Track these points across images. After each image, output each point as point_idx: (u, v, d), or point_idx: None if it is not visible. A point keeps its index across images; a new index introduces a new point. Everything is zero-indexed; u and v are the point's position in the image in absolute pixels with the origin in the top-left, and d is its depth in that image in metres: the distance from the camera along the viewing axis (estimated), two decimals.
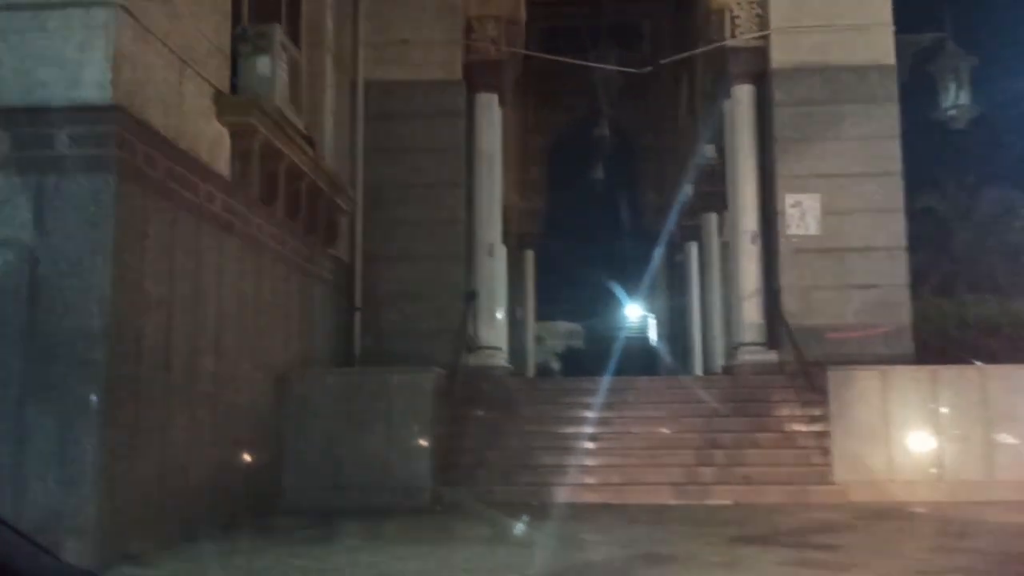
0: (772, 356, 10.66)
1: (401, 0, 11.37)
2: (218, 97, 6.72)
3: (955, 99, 11.59)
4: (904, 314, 10.41)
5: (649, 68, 12.62)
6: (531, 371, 23.30)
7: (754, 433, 9.00)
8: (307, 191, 8.66)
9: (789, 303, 10.57)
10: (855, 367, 8.70)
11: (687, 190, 18.33)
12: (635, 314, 32.62)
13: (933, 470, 8.27)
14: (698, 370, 17.91)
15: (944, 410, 8.36)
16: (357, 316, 10.81)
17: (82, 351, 4.93)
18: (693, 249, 20.30)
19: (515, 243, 22.67)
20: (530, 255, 23.83)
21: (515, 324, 22.72)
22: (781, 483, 8.56)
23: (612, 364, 12.57)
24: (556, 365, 34.52)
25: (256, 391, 7.54)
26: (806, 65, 10.96)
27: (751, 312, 11.04)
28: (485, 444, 9.41)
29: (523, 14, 11.94)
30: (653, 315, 30.44)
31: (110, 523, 5.06)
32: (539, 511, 8.36)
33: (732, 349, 11.42)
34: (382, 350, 10.66)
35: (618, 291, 30.61)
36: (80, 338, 4.94)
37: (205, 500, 6.49)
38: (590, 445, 9.19)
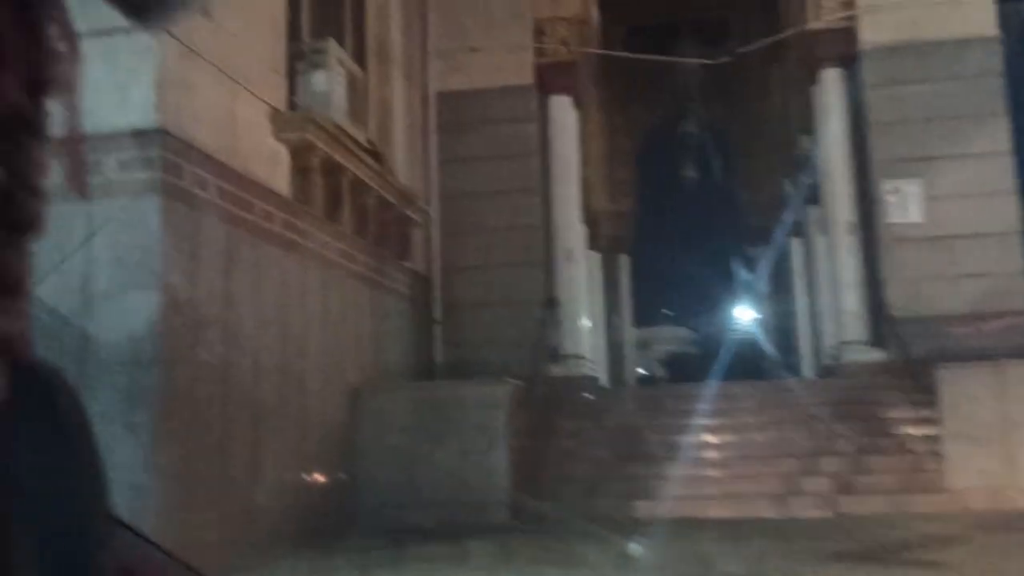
0: (877, 354, 9.99)
1: (469, 9, 11.22)
2: (274, 115, 6.67)
3: None
4: (1020, 303, 9.58)
5: (727, 58, 12.09)
6: (631, 379, 22.83)
7: (860, 438, 8.38)
8: (375, 205, 8.57)
9: (893, 296, 9.89)
10: (967, 363, 7.99)
11: (785, 184, 17.66)
12: (745, 315, 31.65)
13: None
14: (807, 371, 17.16)
15: None
16: (437, 328, 10.68)
17: (133, 377, 4.89)
18: (796, 244, 19.49)
19: (607, 247, 22.31)
20: (624, 259, 23.39)
21: (611, 331, 22.34)
22: (888, 492, 7.94)
23: (718, 368, 12.06)
24: (661, 372, 33.87)
25: (327, 408, 7.45)
26: (898, 43, 10.26)
27: (852, 308, 10.39)
28: (569, 456, 9.10)
29: (594, 14, 11.64)
30: (761, 315, 29.51)
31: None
32: (629, 526, 8.01)
33: (835, 348, 10.76)
34: (463, 361, 10.49)
35: (725, 292, 29.84)
36: (130, 364, 4.90)
37: (275, 520, 6.41)
38: (682, 455, 8.75)
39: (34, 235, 0.35)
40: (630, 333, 23.87)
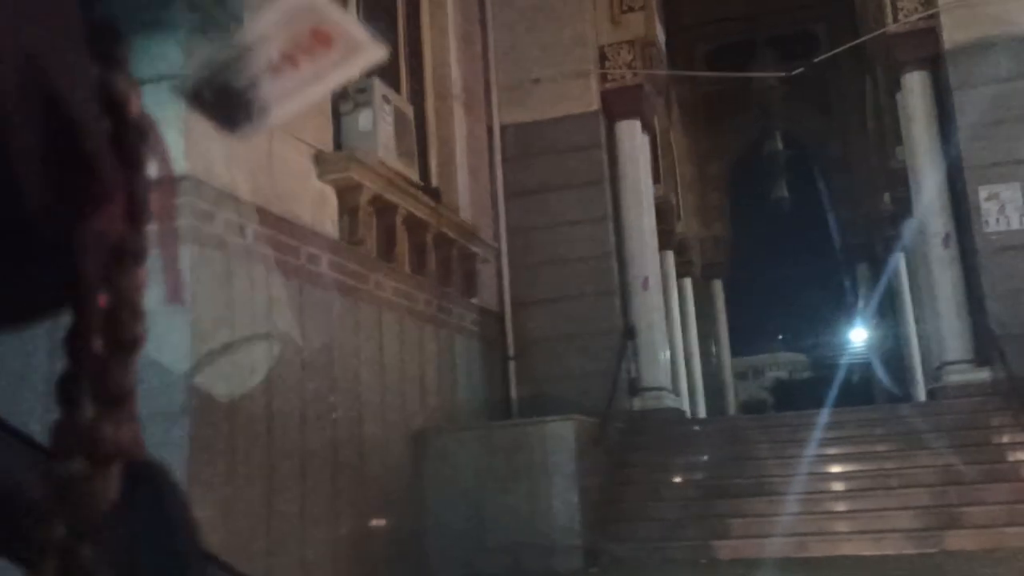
0: (983, 374, 9.21)
1: (531, 39, 11.08)
2: (318, 156, 6.61)
3: None
4: None
5: (800, 69, 11.54)
6: (731, 409, 22.02)
7: (970, 467, 7.66)
8: (433, 242, 8.42)
9: (997, 311, 9.11)
10: None
11: (885, 198, 16.86)
12: (858, 337, 30.23)
13: None
14: (921, 394, 16.15)
15: None
16: (511, 365, 10.43)
17: (163, 431, 4.80)
18: (900, 261, 18.54)
19: (700, 274, 21.71)
20: (718, 285, 22.72)
21: (708, 360, 21.64)
22: (1003, 525, 7.21)
23: (826, 395, 11.38)
24: (768, 399, 32.68)
25: (389, 453, 7.27)
26: (985, 40, 9.57)
27: (953, 325, 9.64)
28: (649, 495, 8.66)
29: (660, 34, 11.32)
30: (873, 336, 28.21)
31: None
32: (715, 568, 7.54)
33: (936, 369, 10.00)
34: (540, 398, 10.18)
35: (837, 314, 28.72)
36: (161, 418, 4.82)
37: (337, 571, 6.23)
38: (775, 490, 8.20)
39: (138, 351, 0.38)
40: (728, 361, 23.09)
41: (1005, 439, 8.21)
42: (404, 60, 9.13)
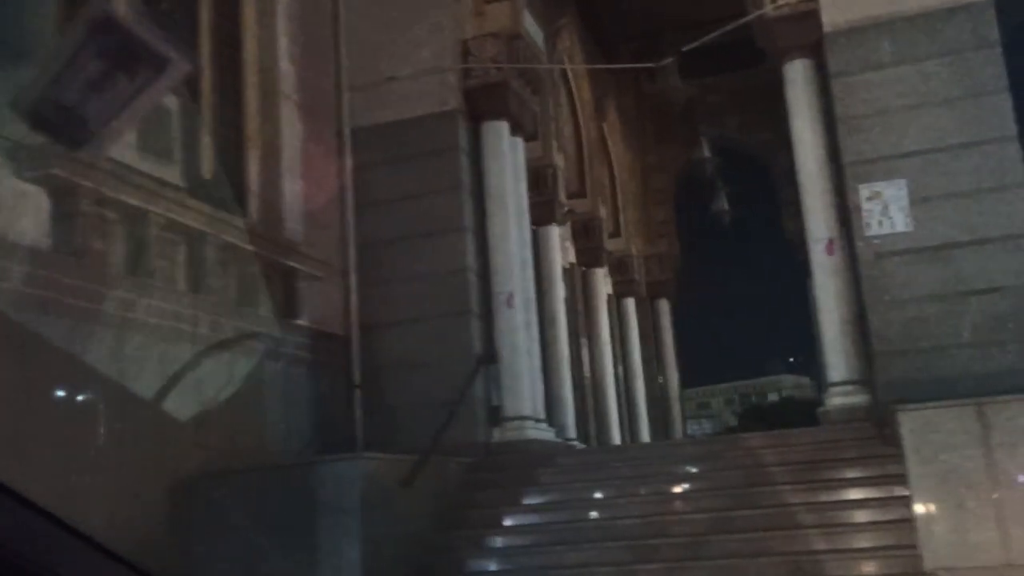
0: (862, 397, 8.12)
1: (386, 35, 10.08)
2: (14, 149, 5.56)
3: None
4: None
5: (670, 59, 10.50)
6: (678, 433, 20.81)
7: (804, 507, 6.50)
8: (227, 257, 7.36)
9: (878, 325, 8.02)
10: (940, 403, 6.10)
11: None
12: None
13: None
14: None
15: None
16: (357, 394, 9.33)
17: None
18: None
19: (645, 293, 20.62)
20: (664, 305, 21.59)
21: (653, 387, 20.45)
22: None
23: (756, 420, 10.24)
24: (732, 423, 31.49)
25: (142, 509, 6.14)
26: (867, 21, 8.57)
27: (837, 343, 8.55)
28: (474, 545, 7.50)
29: (525, 27, 10.31)
30: None
31: None
32: None
33: (823, 392, 8.91)
34: (389, 430, 9.09)
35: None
36: None
37: None
38: (595, 535, 7.07)
39: None
40: (676, 383, 21.90)
41: (853, 473, 6.96)
42: (209, 52, 8.11)
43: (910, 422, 5.96)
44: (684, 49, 9.72)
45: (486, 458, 8.84)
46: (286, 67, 9.04)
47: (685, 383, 24.44)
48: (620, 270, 19.68)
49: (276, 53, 8.93)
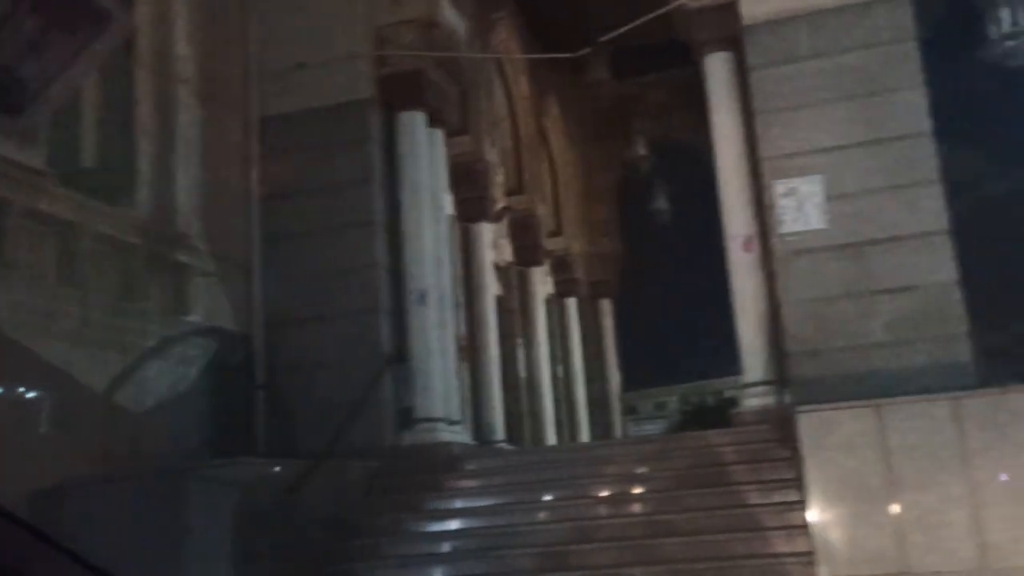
0: (776, 399, 7.91)
1: (299, 20, 9.69)
2: None
3: (1010, 25, 8.53)
4: (956, 323, 7.44)
5: (588, 49, 10.23)
6: (619, 433, 20.60)
7: (694, 512, 6.23)
8: (100, 249, 6.92)
9: (793, 324, 7.81)
10: (838, 405, 5.88)
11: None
12: None
13: (968, 553, 5.33)
14: None
15: (978, 459, 5.43)
16: (260, 396, 8.92)
17: None
18: None
19: (588, 293, 20.35)
20: (606, 305, 21.32)
21: (594, 388, 20.16)
22: None
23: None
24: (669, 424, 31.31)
25: None
26: (785, 14, 8.36)
27: (753, 342, 8.34)
28: (373, 552, 7.14)
29: (445, 15, 9.97)
30: None
31: None
32: None
33: (739, 392, 8.70)
34: (293, 433, 8.70)
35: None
36: None
37: None
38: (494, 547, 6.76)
39: None
40: (617, 383, 21.64)
41: (750, 477, 6.69)
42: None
43: (808, 424, 5.74)
44: (602, 40, 9.45)
45: (392, 462, 8.47)
46: (184, 49, 8.60)
47: (633, 384, 24.24)
48: (562, 269, 19.38)
49: (172, 34, 8.49)
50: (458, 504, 7.76)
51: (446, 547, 7.12)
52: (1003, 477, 5.27)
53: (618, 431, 20.73)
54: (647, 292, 23.38)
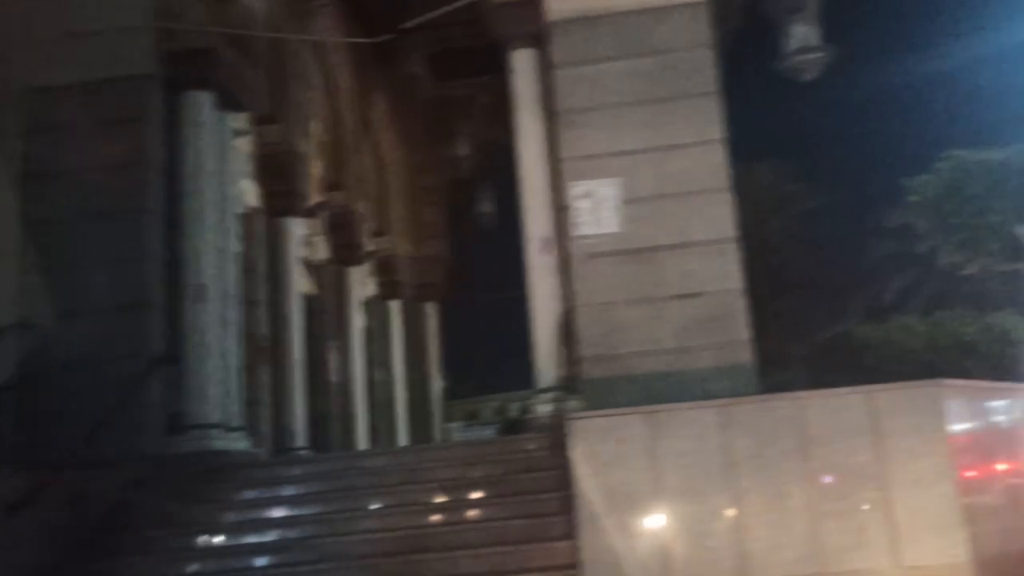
0: (567, 405, 7.72)
1: None
2: None
3: (801, 40, 8.72)
4: (740, 329, 7.48)
5: (391, 36, 9.86)
6: (437, 436, 20.23)
7: (458, 525, 5.89)
8: None
9: (585, 328, 7.65)
10: (610, 411, 5.69)
11: None
12: None
13: (729, 564, 5.23)
14: None
15: (743, 466, 5.36)
16: (7, 398, 7.94)
17: None
18: None
19: (412, 296, 19.85)
20: (431, 309, 20.88)
21: (415, 393, 19.67)
22: None
23: None
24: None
25: None
26: (588, 13, 8.24)
27: (547, 347, 8.13)
28: (121, 573, 6.40)
29: None
30: None
31: None
32: None
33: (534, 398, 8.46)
34: (46, 441, 7.78)
35: None
36: None
37: None
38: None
39: None
40: (437, 387, 21.23)
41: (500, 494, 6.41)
42: None
43: (581, 431, 5.50)
44: (404, 26, 9.05)
45: (156, 472, 7.70)
46: None
47: (460, 391, 23.92)
48: (386, 270, 18.79)
49: None
50: (223, 517, 7.12)
51: (202, 565, 6.47)
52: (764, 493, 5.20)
53: (438, 437, 20.38)
54: (474, 297, 23.19)
